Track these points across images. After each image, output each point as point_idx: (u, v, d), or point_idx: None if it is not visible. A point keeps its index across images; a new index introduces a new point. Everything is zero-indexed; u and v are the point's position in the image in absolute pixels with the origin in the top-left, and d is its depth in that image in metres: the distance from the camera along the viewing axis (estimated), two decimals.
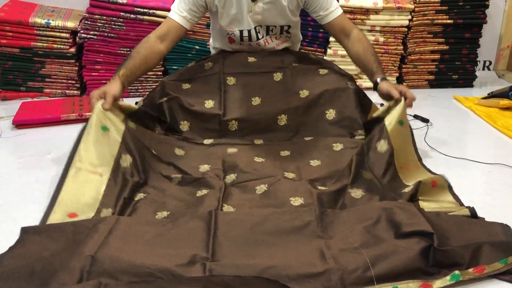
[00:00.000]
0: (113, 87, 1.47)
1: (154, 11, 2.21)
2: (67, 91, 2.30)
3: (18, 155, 1.71)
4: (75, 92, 2.31)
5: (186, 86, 1.71)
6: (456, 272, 1.01)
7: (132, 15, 2.20)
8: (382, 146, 1.41)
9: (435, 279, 1.01)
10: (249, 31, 1.72)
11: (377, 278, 1.00)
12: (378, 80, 1.58)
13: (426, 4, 2.33)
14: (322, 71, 1.74)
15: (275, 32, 1.76)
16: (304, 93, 1.70)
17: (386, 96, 1.54)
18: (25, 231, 1.15)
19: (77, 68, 2.28)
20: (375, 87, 1.59)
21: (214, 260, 1.03)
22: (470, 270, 1.03)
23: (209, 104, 1.67)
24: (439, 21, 2.35)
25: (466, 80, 2.48)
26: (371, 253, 1.04)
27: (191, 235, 1.11)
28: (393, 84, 1.55)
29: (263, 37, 1.76)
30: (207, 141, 1.65)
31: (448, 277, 1.01)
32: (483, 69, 2.74)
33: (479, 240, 1.10)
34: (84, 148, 1.33)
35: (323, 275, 0.99)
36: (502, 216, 1.24)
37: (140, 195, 1.33)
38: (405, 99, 1.47)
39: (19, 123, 1.91)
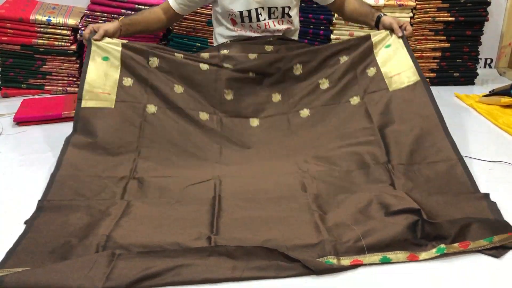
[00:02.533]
0: (108, 24, 1.70)
1: None
2: (68, 88, 2.31)
3: (19, 152, 1.70)
4: (76, 89, 2.31)
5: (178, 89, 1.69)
6: (442, 245, 1.09)
7: (132, 12, 2.19)
8: (371, 71, 1.70)
9: (422, 251, 1.10)
10: (249, 11, 1.79)
11: (367, 248, 1.09)
12: (381, 14, 1.79)
13: (428, 2, 2.32)
14: (322, 83, 1.74)
15: (277, 14, 1.83)
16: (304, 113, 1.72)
17: (389, 29, 1.75)
18: (40, 207, 1.26)
19: (78, 65, 2.28)
20: (377, 24, 1.80)
21: (218, 234, 1.15)
22: (456, 244, 1.10)
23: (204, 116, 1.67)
24: (441, 18, 2.35)
25: (468, 78, 2.48)
26: (362, 228, 1.14)
27: (196, 216, 1.23)
28: (393, 19, 1.75)
29: (264, 19, 1.82)
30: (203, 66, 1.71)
31: (434, 250, 1.09)
32: (485, 66, 2.73)
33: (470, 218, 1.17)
34: (90, 78, 1.58)
35: (318, 245, 1.10)
36: (502, 213, 1.25)
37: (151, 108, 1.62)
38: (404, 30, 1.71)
39: (20, 120, 1.91)
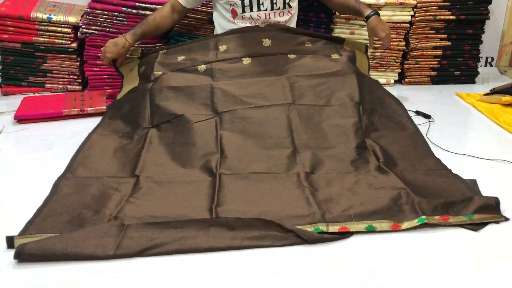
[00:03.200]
0: (119, 51, 1.93)
1: (155, 6, 2.20)
2: (68, 86, 2.31)
3: (19, 150, 1.71)
4: (77, 87, 2.31)
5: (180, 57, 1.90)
6: (423, 216, 1.19)
7: (133, 10, 2.19)
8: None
9: (404, 220, 1.20)
10: (250, 0, 1.84)
11: (354, 216, 1.21)
12: (371, 13, 1.96)
13: (429, 0, 2.32)
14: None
15: (278, 5, 1.88)
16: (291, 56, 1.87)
17: (371, 32, 1.98)
18: (56, 184, 1.38)
19: (78, 63, 2.28)
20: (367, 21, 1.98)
21: (219, 206, 1.26)
22: (436, 217, 1.20)
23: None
24: (442, 17, 2.34)
25: (468, 77, 2.48)
26: (349, 202, 1.26)
27: (199, 191, 1.34)
28: (378, 24, 1.95)
29: (266, 9, 1.88)
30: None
31: (415, 220, 1.19)
32: (485, 65, 2.73)
33: (449, 193, 1.31)
34: (125, 84, 1.98)
35: (309, 216, 1.21)
36: (503, 211, 1.25)
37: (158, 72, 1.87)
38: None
39: (21, 118, 1.91)
